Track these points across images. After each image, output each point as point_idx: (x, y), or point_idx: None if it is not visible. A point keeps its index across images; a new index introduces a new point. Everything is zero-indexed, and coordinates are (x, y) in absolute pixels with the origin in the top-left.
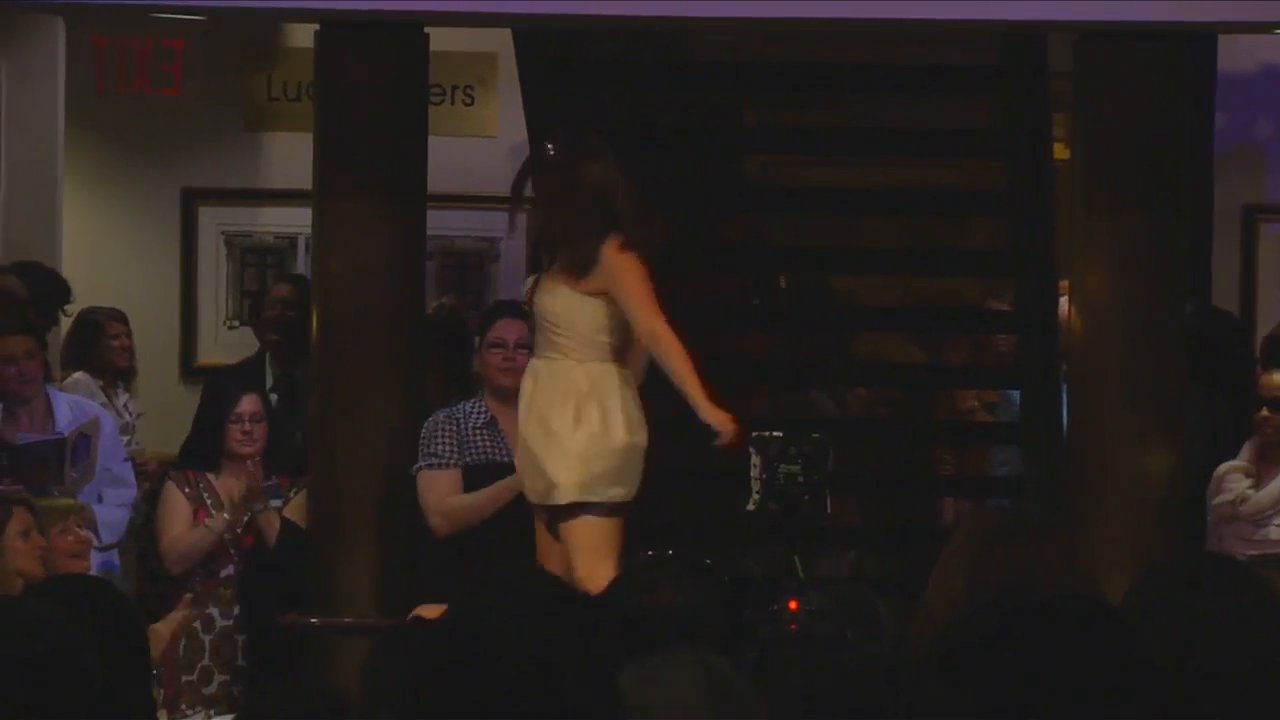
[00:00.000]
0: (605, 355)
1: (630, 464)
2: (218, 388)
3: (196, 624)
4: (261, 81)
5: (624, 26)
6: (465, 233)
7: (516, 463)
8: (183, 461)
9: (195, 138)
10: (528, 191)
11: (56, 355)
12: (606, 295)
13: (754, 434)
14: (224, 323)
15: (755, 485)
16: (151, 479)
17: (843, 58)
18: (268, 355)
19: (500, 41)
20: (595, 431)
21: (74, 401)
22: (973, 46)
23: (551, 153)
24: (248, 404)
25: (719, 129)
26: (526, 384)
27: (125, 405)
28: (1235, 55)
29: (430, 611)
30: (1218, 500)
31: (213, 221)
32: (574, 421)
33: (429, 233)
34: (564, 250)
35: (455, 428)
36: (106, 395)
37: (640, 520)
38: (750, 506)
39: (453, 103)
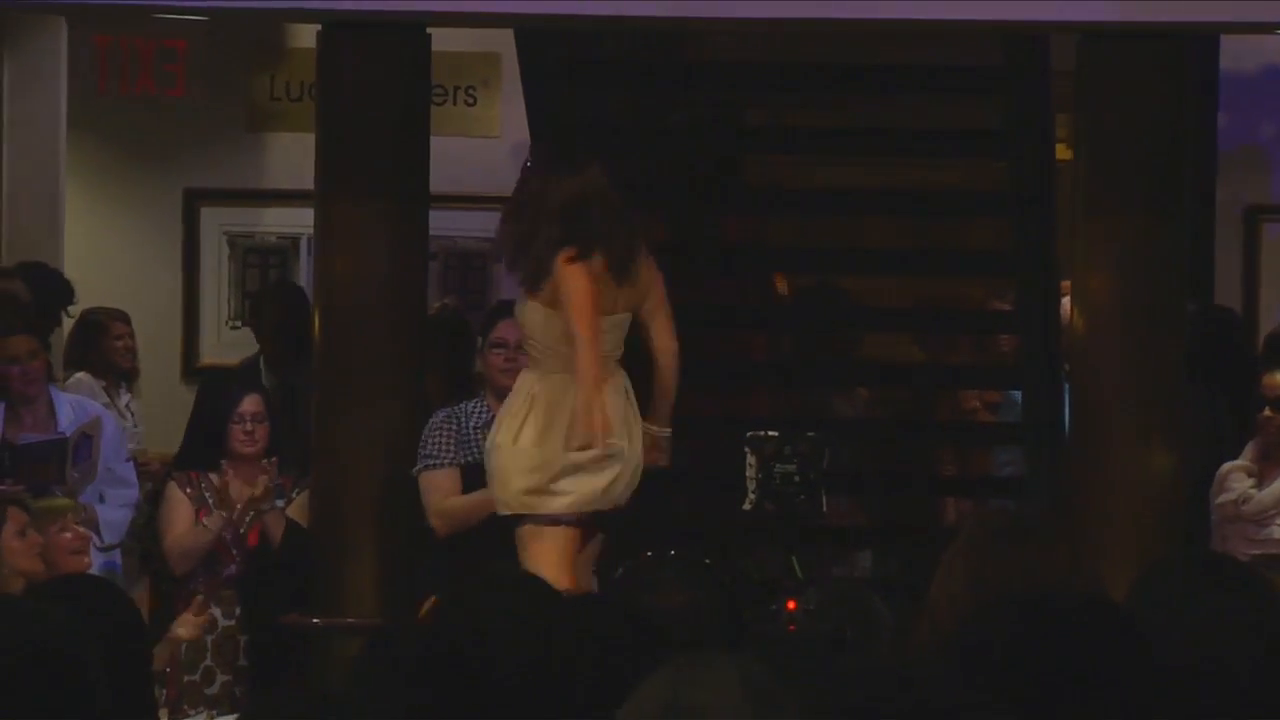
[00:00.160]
0: (568, 366)
1: (578, 476)
2: (213, 390)
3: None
4: (264, 82)
5: (626, 27)
6: (468, 233)
7: None
8: (182, 462)
9: (198, 138)
10: None
11: (59, 356)
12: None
13: (749, 434)
14: (226, 323)
15: (751, 485)
16: (154, 479)
17: (845, 58)
18: (261, 360)
19: (503, 42)
20: (527, 445)
21: (76, 402)
22: (975, 47)
23: (527, 166)
24: (249, 404)
25: (722, 129)
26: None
27: (127, 405)
28: (1238, 55)
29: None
30: (1220, 500)
31: (215, 222)
32: (514, 434)
33: (431, 233)
34: (519, 263)
35: (455, 427)
36: (109, 395)
37: (639, 521)
38: (746, 506)
39: (455, 103)
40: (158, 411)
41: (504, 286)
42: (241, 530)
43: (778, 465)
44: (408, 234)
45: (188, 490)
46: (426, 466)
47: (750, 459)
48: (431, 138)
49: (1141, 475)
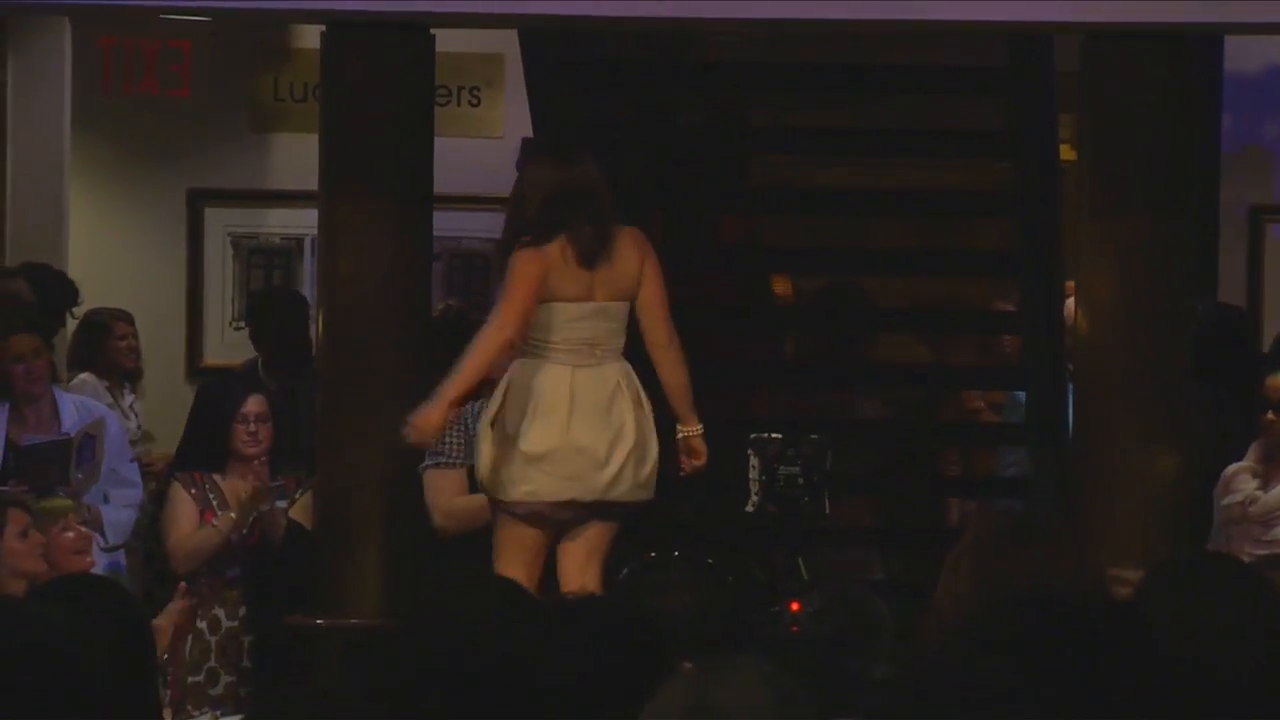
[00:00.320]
0: (539, 352)
1: (535, 468)
2: (213, 391)
3: (203, 625)
4: (268, 82)
5: (630, 27)
6: (471, 234)
7: None
8: (184, 463)
9: (202, 139)
10: None
11: (63, 357)
12: (548, 296)
13: (753, 435)
14: (230, 324)
15: (754, 487)
16: (158, 479)
17: (849, 59)
18: (260, 363)
19: (506, 42)
20: (494, 432)
21: (80, 402)
22: (980, 48)
23: (517, 164)
24: (253, 404)
25: (726, 130)
26: None
27: (131, 406)
28: (1242, 56)
29: None
30: (1226, 501)
31: (219, 222)
32: (491, 417)
33: (435, 234)
34: (499, 255)
35: (463, 427)
36: (112, 396)
37: (643, 521)
38: (749, 508)
39: (459, 104)
40: (162, 412)
41: None
42: (244, 531)
43: (781, 467)
44: (411, 234)
45: (191, 491)
46: (434, 464)
47: (754, 461)
48: (435, 138)
49: (1145, 476)
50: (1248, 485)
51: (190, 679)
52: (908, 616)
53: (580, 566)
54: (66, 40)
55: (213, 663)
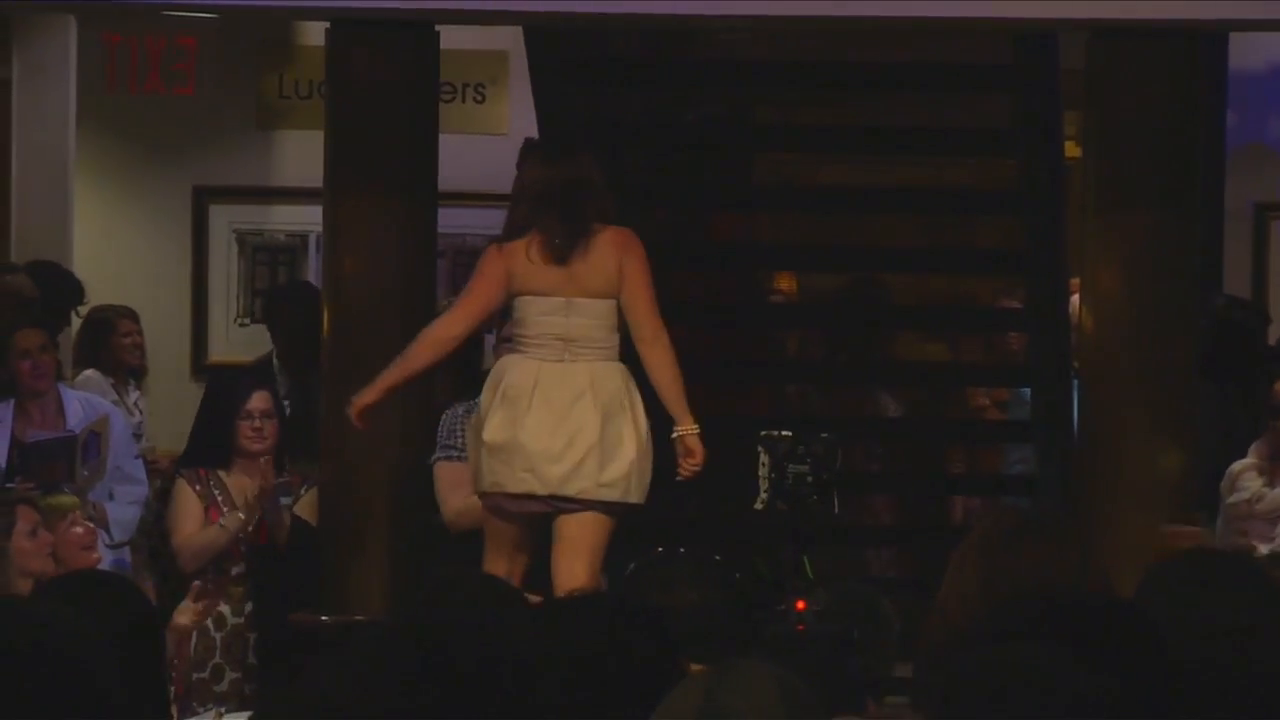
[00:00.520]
0: (516, 348)
1: (494, 459)
2: (221, 387)
3: (208, 621)
4: (273, 79)
5: (634, 25)
6: (476, 230)
7: None
8: (190, 460)
9: (207, 136)
10: None
11: (68, 355)
12: (518, 291)
13: (763, 433)
14: (235, 320)
15: (764, 485)
16: (163, 476)
17: (854, 56)
18: (275, 359)
19: (512, 39)
20: (474, 424)
21: (85, 399)
22: (985, 45)
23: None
24: (258, 401)
25: (731, 126)
26: None
27: (136, 403)
28: (1246, 53)
29: None
30: (1232, 499)
31: (224, 219)
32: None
33: (440, 230)
34: None
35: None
36: (117, 393)
37: (648, 519)
38: (759, 505)
39: (464, 100)
40: (167, 409)
41: None
42: (250, 528)
43: (791, 465)
44: (416, 231)
45: (197, 488)
46: (445, 457)
47: (763, 458)
48: (440, 135)
49: (1151, 473)
50: (1254, 483)
51: (195, 675)
52: (914, 615)
53: (568, 566)
54: (72, 38)
55: (218, 659)
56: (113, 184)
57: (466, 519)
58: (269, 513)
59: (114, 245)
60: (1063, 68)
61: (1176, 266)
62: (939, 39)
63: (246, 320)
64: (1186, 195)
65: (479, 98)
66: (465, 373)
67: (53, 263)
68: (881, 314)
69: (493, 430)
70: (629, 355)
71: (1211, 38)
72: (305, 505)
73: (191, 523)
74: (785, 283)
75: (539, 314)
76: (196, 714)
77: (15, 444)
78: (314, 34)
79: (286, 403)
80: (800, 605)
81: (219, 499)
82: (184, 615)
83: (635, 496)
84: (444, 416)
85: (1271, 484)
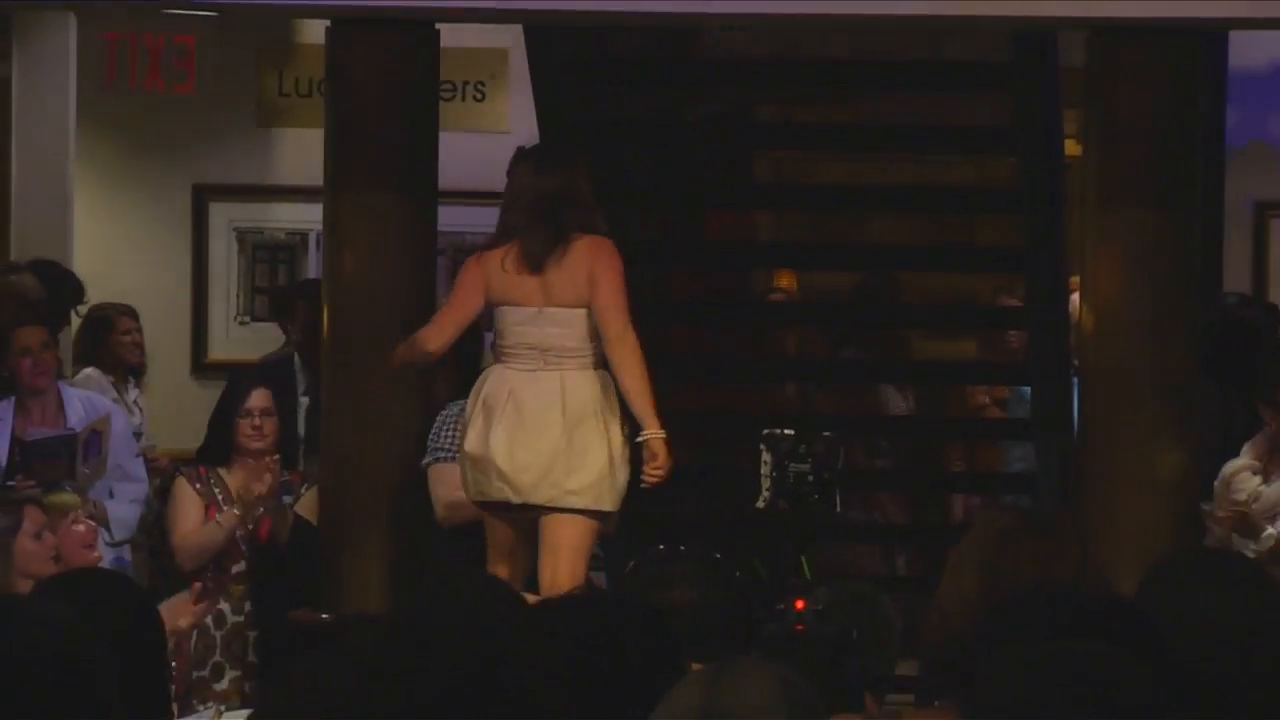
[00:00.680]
0: (498, 357)
1: (474, 469)
2: (235, 383)
3: (208, 619)
4: (273, 77)
5: (634, 23)
6: (476, 229)
7: None
8: (196, 457)
9: (207, 134)
10: None
11: (68, 354)
12: (494, 301)
13: (765, 431)
14: (235, 318)
15: (766, 483)
16: (162, 475)
17: (855, 54)
18: (296, 358)
19: (512, 37)
20: (462, 428)
21: (85, 398)
22: (985, 43)
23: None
24: (257, 399)
25: (731, 125)
26: None
27: (135, 401)
28: (1247, 51)
29: None
30: (1231, 500)
31: (224, 217)
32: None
33: (440, 228)
34: None
35: (459, 423)
36: (117, 391)
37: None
38: (760, 504)
39: (464, 98)
40: (167, 408)
41: None
42: (250, 526)
43: (792, 464)
44: (416, 229)
45: (197, 486)
46: (436, 459)
47: (765, 457)
48: (440, 133)
49: (1151, 472)
50: (1249, 483)
51: (195, 674)
52: (915, 613)
53: (549, 567)
54: (72, 36)
55: (218, 658)
56: (112, 182)
57: (457, 514)
58: (271, 511)
59: (114, 243)
60: (1063, 66)
61: (1177, 264)
62: (939, 37)
63: (247, 318)
64: (1187, 193)
65: (479, 96)
66: (465, 371)
67: (53, 261)
68: (882, 312)
69: (470, 441)
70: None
71: (1212, 35)
72: (306, 504)
73: (191, 521)
74: (785, 281)
75: (514, 324)
76: (196, 712)
77: (16, 442)
78: (314, 32)
79: (305, 399)
80: (800, 605)
81: (219, 497)
82: (184, 617)
83: (607, 504)
84: (438, 418)
85: (1267, 483)
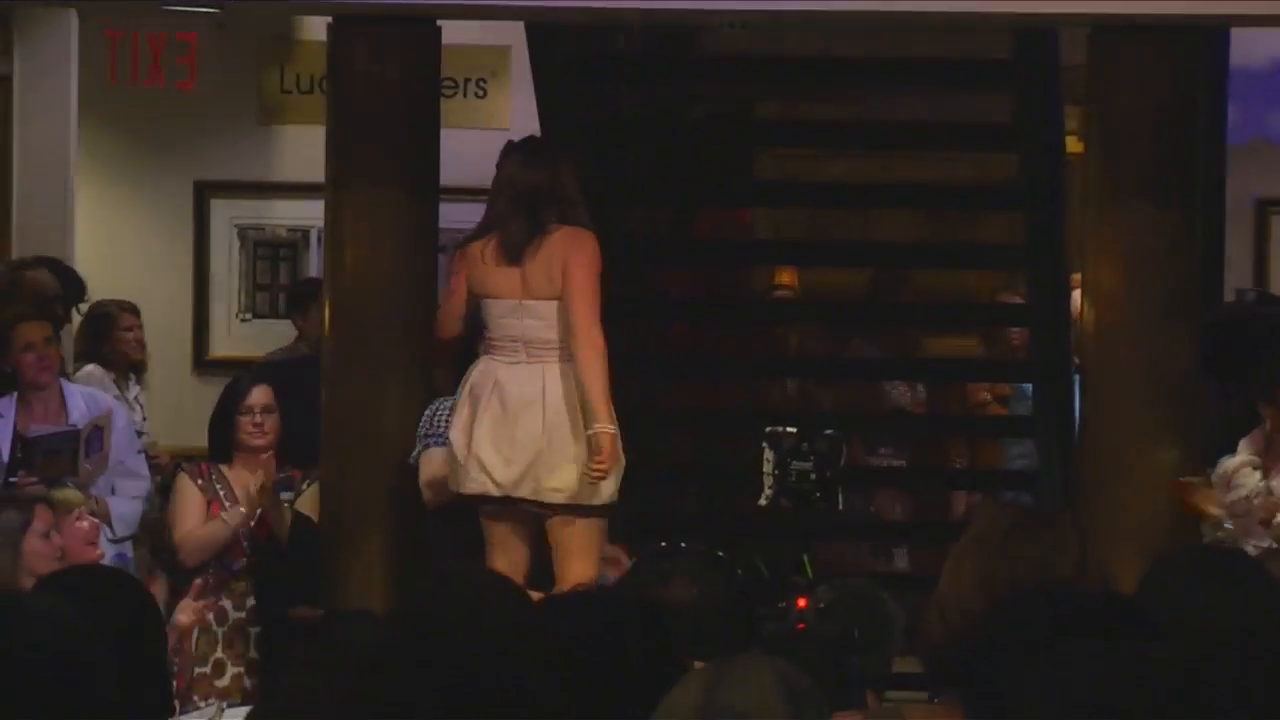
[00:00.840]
0: (484, 349)
1: (453, 459)
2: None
3: (210, 616)
4: (274, 74)
5: (635, 20)
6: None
7: None
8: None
9: (208, 131)
10: None
11: (69, 350)
12: (477, 293)
13: (768, 429)
14: (236, 315)
15: (768, 481)
16: (163, 472)
17: (855, 52)
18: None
19: (513, 34)
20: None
21: (87, 394)
22: (986, 40)
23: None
24: (258, 395)
25: (733, 122)
26: None
27: (136, 398)
28: (1248, 48)
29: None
30: (1230, 497)
31: (225, 214)
32: None
33: (441, 225)
34: None
35: (446, 413)
36: (118, 388)
37: (651, 516)
38: (762, 502)
39: (465, 95)
40: (168, 405)
41: None
42: (251, 523)
43: (795, 463)
44: (418, 226)
45: (198, 482)
46: (422, 448)
47: (768, 455)
48: (442, 130)
49: (1152, 468)
50: (1250, 480)
51: (197, 670)
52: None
53: (561, 569)
54: (73, 33)
55: (219, 654)
56: (114, 179)
57: (439, 495)
58: (271, 508)
59: (115, 240)
60: (1064, 63)
61: (1178, 262)
62: (940, 34)
63: (248, 315)
64: (1188, 190)
65: (480, 93)
66: (462, 366)
67: (54, 259)
68: (883, 309)
69: (455, 431)
70: (621, 350)
71: (1213, 32)
72: (307, 501)
73: (193, 518)
74: (787, 277)
75: (497, 316)
76: (198, 708)
77: (18, 438)
78: (315, 29)
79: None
80: (801, 603)
81: (221, 494)
82: (184, 613)
83: (590, 498)
84: (425, 411)
85: (1268, 478)
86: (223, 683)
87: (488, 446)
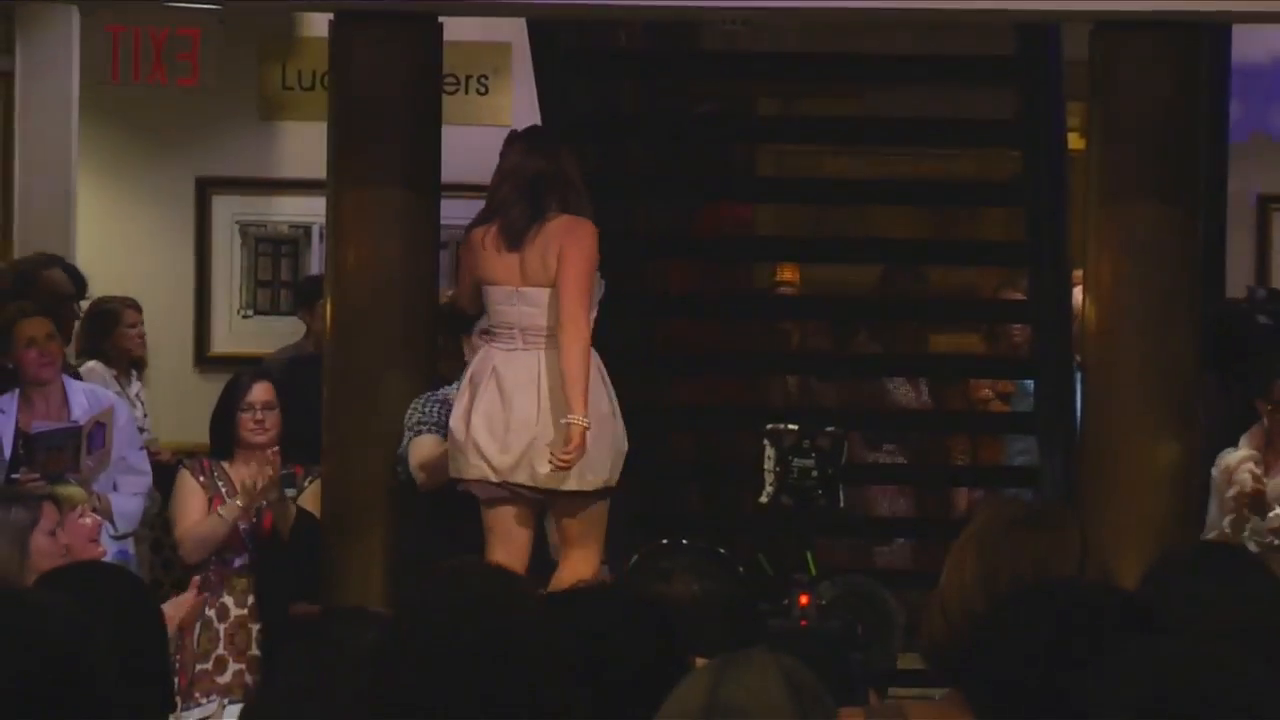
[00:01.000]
0: (487, 336)
1: (452, 445)
2: (305, 378)
3: (211, 612)
4: (276, 71)
5: (636, 16)
6: None
7: None
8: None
9: (210, 127)
10: None
11: (71, 349)
12: (479, 279)
13: (769, 426)
14: (238, 312)
15: (769, 478)
16: (164, 469)
17: (857, 48)
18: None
19: (515, 31)
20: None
21: (89, 390)
22: (988, 37)
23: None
24: (259, 392)
25: (734, 119)
26: None
27: (137, 395)
28: (1249, 45)
29: None
30: (1232, 493)
31: (227, 211)
32: None
33: (443, 222)
34: None
35: (439, 402)
36: (119, 384)
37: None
38: (763, 499)
39: (467, 92)
40: (169, 401)
41: None
42: (253, 519)
43: (796, 460)
44: (419, 223)
45: (200, 479)
46: (414, 434)
47: (769, 452)
48: (443, 127)
49: (1153, 465)
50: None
51: (198, 666)
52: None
53: (564, 553)
54: (75, 29)
55: (221, 650)
56: (115, 175)
57: (431, 478)
58: (273, 504)
59: (116, 237)
60: (1066, 59)
61: (1179, 258)
62: (943, 31)
63: (249, 312)
64: (1189, 187)
65: (482, 89)
66: (465, 365)
67: (57, 257)
68: (885, 306)
69: (454, 417)
70: (609, 341)
71: (1215, 29)
72: (309, 497)
73: (195, 514)
74: (789, 274)
75: (496, 303)
76: (200, 705)
77: (20, 434)
78: (317, 25)
79: None
80: (803, 600)
81: (222, 490)
82: (175, 608)
83: (575, 484)
84: (413, 403)
85: (1268, 474)
86: (224, 679)
87: (484, 433)
